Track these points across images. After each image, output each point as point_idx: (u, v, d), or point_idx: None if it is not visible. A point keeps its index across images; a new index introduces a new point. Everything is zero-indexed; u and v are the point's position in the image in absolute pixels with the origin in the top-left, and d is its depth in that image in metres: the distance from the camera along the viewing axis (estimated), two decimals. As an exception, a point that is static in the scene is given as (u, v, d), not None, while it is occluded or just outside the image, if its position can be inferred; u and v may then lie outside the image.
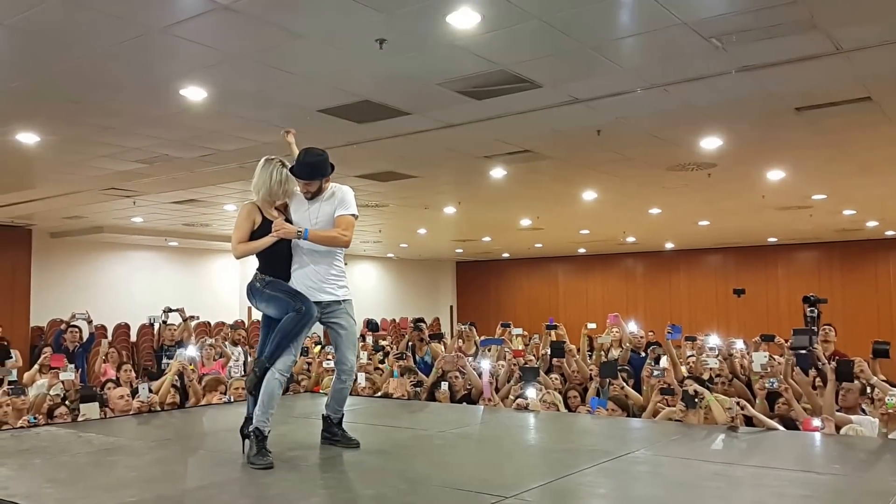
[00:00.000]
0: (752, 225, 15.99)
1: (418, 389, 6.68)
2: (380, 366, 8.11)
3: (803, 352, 5.95)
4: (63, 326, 8.87)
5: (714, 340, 8.33)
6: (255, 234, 4.08)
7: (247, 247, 4.09)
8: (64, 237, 15.40)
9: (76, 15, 4.69)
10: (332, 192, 4.22)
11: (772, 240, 19.44)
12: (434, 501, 3.23)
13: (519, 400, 5.81)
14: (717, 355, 6.76)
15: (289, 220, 4.14)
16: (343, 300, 4.24)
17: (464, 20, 4.79)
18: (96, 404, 5.62)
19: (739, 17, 4.80)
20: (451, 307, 25.65)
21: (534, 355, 7.75)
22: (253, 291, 4.14)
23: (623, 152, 8.81)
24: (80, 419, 5.46)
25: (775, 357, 6.36)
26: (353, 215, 4.19)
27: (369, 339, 9.63)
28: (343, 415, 4.39)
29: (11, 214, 12.85)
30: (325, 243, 4.12)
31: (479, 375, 6.63)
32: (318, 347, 9.16)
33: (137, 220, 13.98)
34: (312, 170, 4.15)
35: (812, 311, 8.38)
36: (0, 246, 14.14)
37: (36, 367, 7.33)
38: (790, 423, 5.04)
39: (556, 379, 6.75)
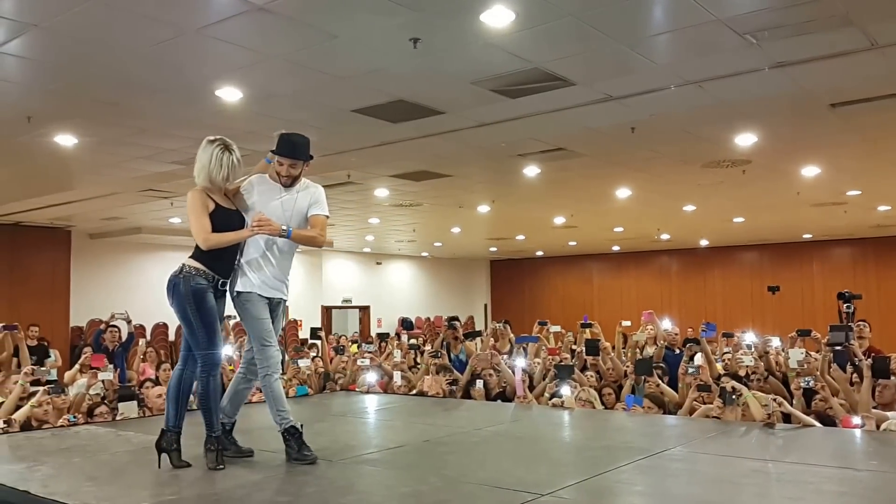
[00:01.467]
0: (786, 221, 15.79)
1: (453, 387, 6.70)
2: (416, 364, 8.15)
3: (840, 348, 5.87)
4: (103, 326, 9.03)
5: (750, 338, 8.25)
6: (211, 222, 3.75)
7: (219, 238, 3.74)
8: (103, 238, 15.67)
9: (112, 17, 4.77)
10: (307, 186, 4.00)
11: (806, 236, 19.18)
12: (470, 499, 3.23)
13: (554, 399, 5.81)
14: (753, 352, 6.70)
15: (243, 209, 3.90)
16: (286, 299, 4.06)
17: (498, 18, 4.79)
18: (135, 403, 5.70)
19: (774, 13, 4.74)
20: (486, 305, 25.65)
21: (569, 353, 7.73)
22: (194, 291, 3.69)
23: (657, 149, 8.75)
24: (118, 418, 5.54)
25: (812, 353, 6.29)
26: (327, 216, 4.00)
27: (405, 338, 9.67)
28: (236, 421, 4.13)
29: (51, 216, 13.11)
30: (304, 243, 3.92)
31: (514, 373, 6.63)
32: (355, 346, 9.23)
33: (175, 220, 14.18)
34: (299, 149, 3.90)
35: (847, 308, 8.26)
36: (40, 247, 14.41)
37: (76, 366, 7.47)
38: (828, 420, 4.97)
39: (592, 377, 6.73)
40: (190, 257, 3.78)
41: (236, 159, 3.85)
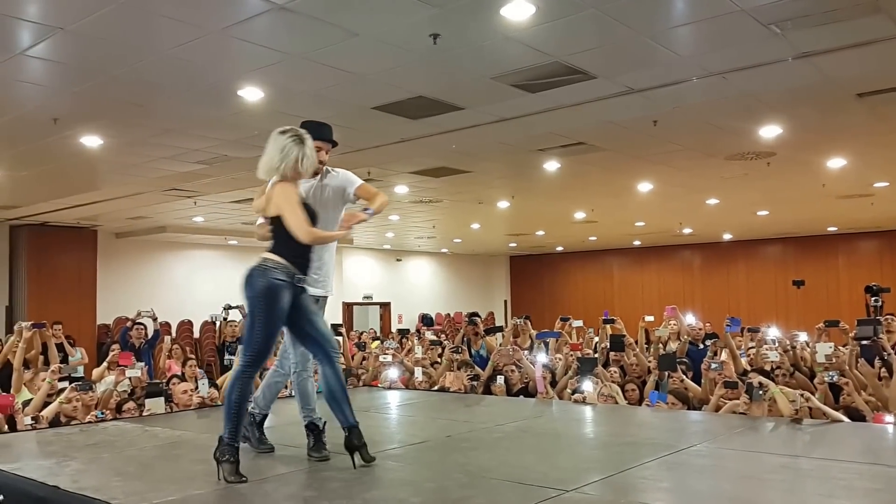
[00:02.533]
0: (811, 214, 15.61)
1: (474, 383, 6.70)
2: (438, 360, 8.15)
3: (868, 343, 5.79)
4: (129, 324, 9.11)
5: (774, 332, 8.16)
6: None
7: (323, 235, 3.69)
8: (128, 237, 15.85)
9: (137, 19, 4.82)
10: (329, 172, 3.99)
11: (832, 229, 18.92)
12: (494, 494, 3.23)
13: (576, 395, 5.79)
14: (777, 348, 6.62)
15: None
16: (329, 295, 4.05)
17: (518, 12, 4.78)
18: (161, 399, 5.76)
19: (798, 2, 4.68)
20: (505, 301, 25.63)
21: (591, 348, 7.70)
22: (269, 287, 3.49)
23: (680, 142, 8.68)
24: (145, 414, 5.61)
25: (840, 348, 6.20)
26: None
27: (428, 335, 9.68)
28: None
29: (78, 216, 13.27)
30: (382, 209, 3.92)
31: (535, 369, 6.61)
32: (376, 342, 9.26)
33: (198, 219, 14.31)
34: (329, 131, 3.90)
35: (875, 301, 8.14)
36: (67, 247, 14.59)
37: (104, 364, 7.56)
38: (856, 415, 4.91)
39: (615, 372, 6.70)
40: (270, 251, 3.61)
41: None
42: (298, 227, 3.52)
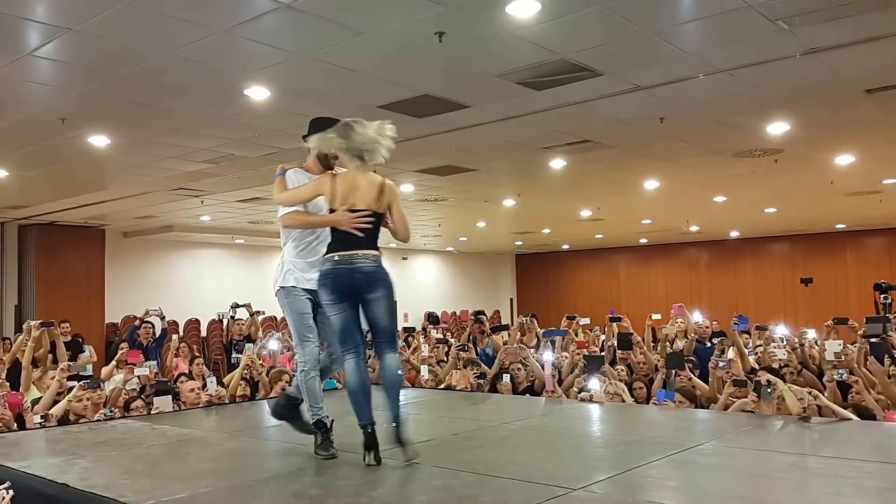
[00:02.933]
0: (819, 211, 15.55)
1: (481, 381, 6.70)
2: (444, 358, 8.16)
3: (877, 340, 5.77)
4: (137, 323, 9.15)
5: (781, 330, 8.14)
6: None
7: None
8: (135, 236, 15.90)
9: (144, 19, 4.83)
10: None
11: (840, 226, 18.85)
12: (502, 493, 3.23)
13: (582, 393, 5.78)
14: (785, 345, 6.61)
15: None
16: None
17: (523, 9, 4.77)
18: (169, 397, 5.77)
19: (807, -3, 4.66)
20: (511, 300, 25.62)
21: (597, 347, 7.69)
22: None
23: (687, 139, 8.65)
24: (153, 412, 5.63)
25: (849, 346, 6.18)
26: None
27: (433, 333, 9.69)
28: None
29: (85, 215, 13.32)
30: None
31: (542, 367, 6.61)
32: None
33: (205, 218, 14.34)
34: None
35: (885, 299, 8.12)
36: (75, 246, 14.64)
37: (113, 362, 7.59)
38: (865, 413, 4.89)
39: (622, 370, 6.69)
40: (376, 248, 3.78)
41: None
42: (407, 225, 3.88)
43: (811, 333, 7.88)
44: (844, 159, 9.90)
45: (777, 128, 8.06)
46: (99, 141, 7.93)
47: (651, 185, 11.80)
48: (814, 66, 5.84)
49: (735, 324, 6.91)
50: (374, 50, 5.45)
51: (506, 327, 9.20)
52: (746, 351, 7.08)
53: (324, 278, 3.67)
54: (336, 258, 3.65)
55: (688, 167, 10.30)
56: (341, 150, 3.67)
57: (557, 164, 9.91)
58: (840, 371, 5.20)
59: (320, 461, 3.78)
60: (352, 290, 3.65)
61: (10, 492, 3.11)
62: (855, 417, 4.72)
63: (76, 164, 9.01)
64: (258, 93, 6.38)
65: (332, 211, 3.69)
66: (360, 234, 3.65)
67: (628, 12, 4.87)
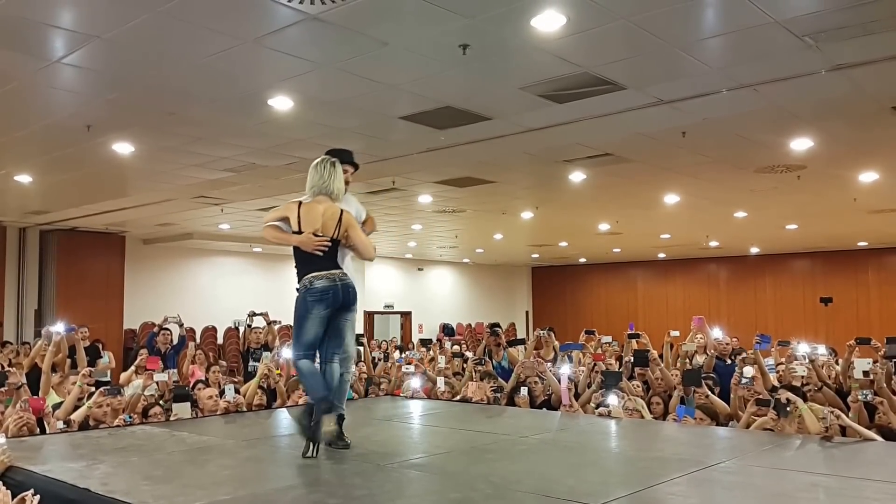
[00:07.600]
0: (842, 229, 15.41)
1: (498, 394, 6.67)
2: (460, 371, 8.13)
3: (899, 361, 5.69)
4: (155, 329, 9.20)
5: (804, 348, 8.05)
6: None
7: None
8: (155, 243, 16.03)
9: (171, 28, 4.88)
10: (347, 198, 4.65)
11: (862, 244, 18.66)
12: (521, 507, 3.21)
13: (601, 408, 5.73)
14: (806, 362, 6.54)
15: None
16: None
17: (548, 23, 4.77)
18: (188, 404, 5.80)
19: (833, 14, 4.63)
20: (527, 312, 25.54)
21: (615, 361, 7.63)
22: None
23: (709, 154, 8.61)
24: (172, 419, 5.64)
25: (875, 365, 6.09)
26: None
27: (448, 345, 9.66)
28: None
29: (106, 222, 13.45)
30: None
31: (559, 381, 6.57)
32: (399, 352, 9.26)
33: (224, 226, 14.42)
34: (352, 156, 4.71)
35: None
36: (95, 252, 14.78)
37: (132, 368, 7.63)
38: (890, 435, 4.81)
39: (639, 386, 6.63)
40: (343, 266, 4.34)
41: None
42: (368, 246, 4.50)
43: (821, 349, 7.77)
44: (868, 176, 9.82)
45: (800, 144, 8.01)
46: (123, 148, 8.00)
47: (671, 199, 11.75)
48: (839, 83, 5.80)
49: (757, 342, 6.84)
50: (398, 61, 5.47)
51: (522, 341, 9.15)
52: (768, 368, 7.00)
53: (323, 294, 4.12)
54: (331, 276, 4.15)
55: (709, 182, 10.25)
56: (308, 188, 4.38)
57: (577, 177, 9.89)
58: (865, 392, 5.12)
59: (337, 471, 3.77)
60: (343, 304, 4.20)
61: (38, 496, 3.13)
62: (879, 438, 4.64)
63: (99, 170, 9.10)
64: (282, 103, 6.42)
65: (298, 233, 4.19)
66: (319, 254, 4.15)
67: (654, 27, 4.87)
